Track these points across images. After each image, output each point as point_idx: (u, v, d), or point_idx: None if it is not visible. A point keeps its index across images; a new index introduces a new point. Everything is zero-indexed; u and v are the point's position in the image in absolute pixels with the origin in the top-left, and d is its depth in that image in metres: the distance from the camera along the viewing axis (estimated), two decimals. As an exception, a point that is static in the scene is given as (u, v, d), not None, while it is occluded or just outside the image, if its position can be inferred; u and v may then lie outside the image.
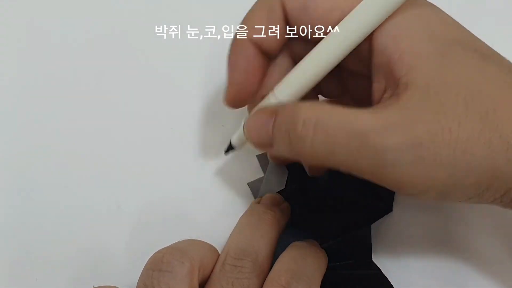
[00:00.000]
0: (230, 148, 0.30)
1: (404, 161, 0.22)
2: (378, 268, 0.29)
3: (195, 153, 0.34)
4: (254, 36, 0.27)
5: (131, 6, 0.40)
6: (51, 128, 0.35)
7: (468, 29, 0.26)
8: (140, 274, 0.25)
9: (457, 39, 0.24)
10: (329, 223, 0.29)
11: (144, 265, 0.25)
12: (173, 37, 0.38)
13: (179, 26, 0.39)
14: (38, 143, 0.34)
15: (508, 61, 0.25)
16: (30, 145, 0.34)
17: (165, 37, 0.38)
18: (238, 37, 0.27)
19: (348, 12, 0.25)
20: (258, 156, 0.34)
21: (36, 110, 0.36)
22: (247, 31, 0.27)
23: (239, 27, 0.27)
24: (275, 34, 0.27)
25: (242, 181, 0.33)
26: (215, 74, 0.37)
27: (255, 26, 0.26)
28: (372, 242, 0.30)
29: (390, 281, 0.29)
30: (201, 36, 0.38)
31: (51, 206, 0.32)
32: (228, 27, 0.39)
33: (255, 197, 0.33)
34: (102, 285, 0.26)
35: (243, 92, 0.28)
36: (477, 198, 0.24)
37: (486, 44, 0.26)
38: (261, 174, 0.34)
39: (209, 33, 0.38)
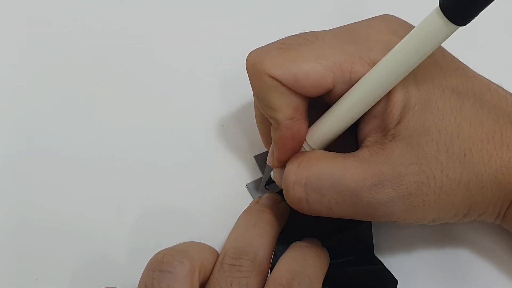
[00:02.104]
0: (270, 181, 0.32)
1: (397, 210, 0.25)
2: (381, 262, 0.29)
3: (195, 153, 0.34)
4: (289, 125, 0.27)
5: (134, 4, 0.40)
6: (51, 128, 0.35)
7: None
8: (140, 274, 0.26)
9: (437, 82, 0.26)
10: (329, 221, 0.29)
11: (145, 266, 0.26)
12: (174, 37, 0.38)
13: (181, 27, 0.39)
14: (38, 143, 0.34)
15: (481, 90, 0.27)
16: (30, 145, 0.34)
17: (166, 37, 0.38)
18: (280, 132, 0.27)
19: (340, 74, 0.25)
20: (256, 157, 0.34)
21: (36, 110, 0.36)
22: (284, 124, 0.26)
23: (274, 119, 0.27)
24: (303, 114, 0.27)
25: (241, 181, 0.33)
26: (216, 74, 0.37)
27: (286, 121, 0.26)
28: (373, 237, 0.30)
29: (394, 275, 0.29)
30: (202, 37, 0.38)
31: (51, 206, 0.32)
32: (229, 27, 0.39)
33: (253, 198, 0.33)
34: (104, 285, 0.26)
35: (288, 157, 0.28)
36: (457, 221, 0.27)
37: (462, 75, 0.27)
38: (260, 175, 0.34)
39: (210, 34, 0.39)
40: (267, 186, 0.32)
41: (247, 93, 0.36)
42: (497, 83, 0.28)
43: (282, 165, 0.28)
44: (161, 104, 0.36)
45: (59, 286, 0.30)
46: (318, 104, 0.28)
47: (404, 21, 0.27)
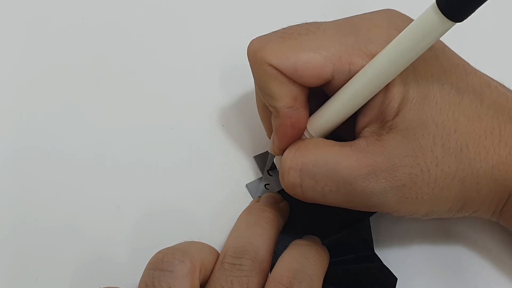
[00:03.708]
0: (273, 167, 0.32)
1: (390, 201, 0.25)
2: (380, 260, 0.29)
3: (195, 153, 0.34)
4: (289, 114, 0.27)
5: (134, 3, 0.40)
6: (52, 127, 0.35)
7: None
8: (140, 274, 0.26)
9: (436, 76, 0.26)
10: (328, 219, 0.30)
11: (145, 265, 0.26)
12: (174, 37, 0.38)
13: (181, 26, 0.39)
14: (38, 143, 0.34)
15: (481, 87, 0.27)
16: (30, 145, 0.34)
17: (166, 37, 0.38)
18: (280, 120, 0.27)
19: (339, 66, 0.25)
20: (256, 157, 0.34)
21: (36, 110, 0.36)
22: (283, 112, 0.27)
23: (274, 106, 0.27)
24: (303, 103, 0.27)
25: (241, 181, 0.33)
26: (216, 74, 0.37)
27: (285, 109, 0.27)
28: (373, 235, 0.30)
29: (393, 272, 0.29)
30: (202, 37, 0.38)
31: (51, 206, 0.32)
32: (228, 27, 0.39)
33: (253, 198, 0.33)
34: (104, 285, 0.26)
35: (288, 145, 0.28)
36: (452, 215, 0.27)
37: (462, 71, 0.27)
38: (260, 175, 0.34)
39: (210, 34, 0.39)
40: (267, 186, 0.33)
41: (247, 93, 0.36)
42: (498, 80, 0.28)
43: (282, 152, 0.28)
44: (161, 104, 0.36)
45: (59, 286, 0.30)
46: (319, 94, 0.28)
47: (407, 16, 0.28)
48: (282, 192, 0.32)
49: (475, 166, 0.25)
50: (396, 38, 0.24)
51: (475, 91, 0.26)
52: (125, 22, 0.39)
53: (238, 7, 0.40)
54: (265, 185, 0.33)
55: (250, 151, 0.34)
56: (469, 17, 0.21)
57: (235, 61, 0.36)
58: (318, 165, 0.25)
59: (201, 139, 0.35)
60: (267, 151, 0.34)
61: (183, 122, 0.35)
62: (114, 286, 0.26)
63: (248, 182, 0.33)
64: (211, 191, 0.33)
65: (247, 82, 0.34)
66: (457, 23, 0.22)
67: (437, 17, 0.22)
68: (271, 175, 0.33)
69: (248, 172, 0.34)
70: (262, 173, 0.33)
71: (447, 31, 0.22)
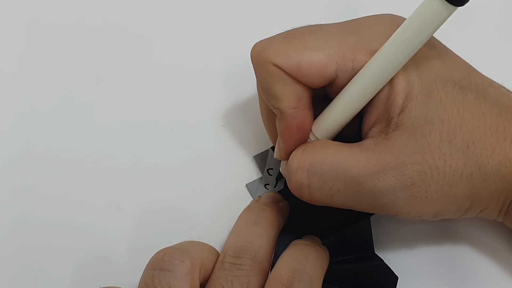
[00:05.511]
0: (280, 176, 0.32)
1: (399, 200, 0.25)
2: (381, 259, 0.29)
3: (194, 153, 0.34)
4: (294, 114, 0.27)
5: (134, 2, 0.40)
6: (52, 127, 0.35)
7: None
8: (140, 274, 0.26)
9: (439, 74, 0.26)
10: (328, 219, 0.30)
11: (145, 265, 0.26)
12: (174, 38, 0.39)
13: (182, 27, 0.39)
14: (38, 143, 0.34)
15: (484, 85, 0.27)
16: (30, 144, 0.34)
17: (167, 37, 0.39)
18: (285, 122, 0.27)
19: (343, 64, 0.26)
20: (256, 157, 0.34)
21: (37, 110, 0.36)
22: (288, 113, 0.27)
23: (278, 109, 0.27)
24: (307, 104, 0.27)
25: (241, 181, 0.33)
26: (216, 74, 0.37)
27: (290, 110, 0.27)
28: (373, 234, 0.30)
29: (394, 271, 0.29)
30: (203, 38, 0.38)
31: (51, 206, 0.32)
32: (230, 27, 0.39)
33: (253, 198, 0.33)
34: (104, 285, 0.26)
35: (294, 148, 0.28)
36: (460, 216, 0.27)
37: (465, 70, 0.27)
38: (260, 175, 0.34)
39: (211, 34, 0.39)
40: (267, 186, 0.33)
41: (247, 93, 0.36)
42: (499, 82, 0.28)
43: (288, 157, 0.27)
44: (161, 104, 0.36)
45: (59, 286, 0.31)
46: (322, 100, 0.28)
47: None
48: (282, 192, 0.32)
49: (482, 162, 0.25)
50: (398, 29, 0.24)
51: (478, 89, 0.26)
52: (125, 22, 0.39)
53: (239, 8, 0.40)
54: (265, 185, 0.33)
55: (250, 151, 0.34)
56: (469, 1, 0.21)
57: (236, 61, 0.36)
58: (326, 165, 0.25)
59: (201, 139, 0.35)
60: (267, 150, 0.34)
61: (183, 122, 0.35)
62: (114, 286, 0.26)
63: (248, 182, 0.33)
64: (211, 191, 0.33)
65: (247, 82, 0.34)
66: (459, 7, 0.22)
67: (438, 2, 0.22)
68: (271, 175, 0.33)
69: (248, 172, 0.34)
70: (262, 172, 0.34)
71: (449, 16, 0.22)
